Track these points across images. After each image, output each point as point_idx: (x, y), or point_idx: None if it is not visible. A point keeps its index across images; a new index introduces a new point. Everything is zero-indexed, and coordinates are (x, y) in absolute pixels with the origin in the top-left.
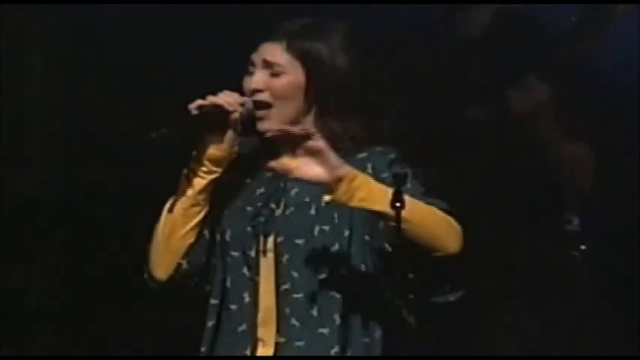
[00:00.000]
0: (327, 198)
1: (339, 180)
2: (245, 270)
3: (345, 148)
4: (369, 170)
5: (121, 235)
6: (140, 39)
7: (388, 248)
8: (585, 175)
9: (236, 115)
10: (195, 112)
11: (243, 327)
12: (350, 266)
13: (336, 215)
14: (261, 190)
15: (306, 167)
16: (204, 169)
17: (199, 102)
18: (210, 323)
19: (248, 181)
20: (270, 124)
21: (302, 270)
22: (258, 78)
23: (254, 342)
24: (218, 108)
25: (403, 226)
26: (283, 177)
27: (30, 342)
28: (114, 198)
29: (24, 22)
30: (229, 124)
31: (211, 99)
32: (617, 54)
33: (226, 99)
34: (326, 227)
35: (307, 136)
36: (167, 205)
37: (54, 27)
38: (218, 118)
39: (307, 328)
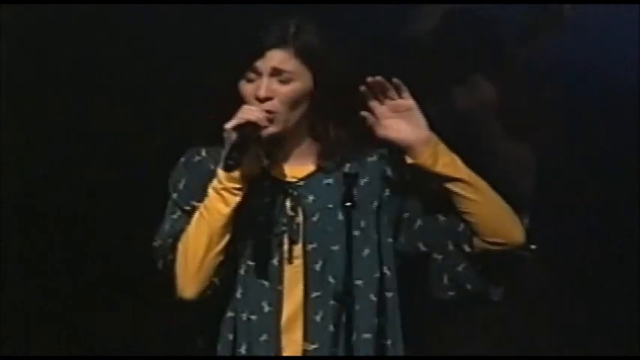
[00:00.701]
0: (410, 161)
1: (425, 142)
2: (263, 279)
3: (346, 150)
4: (389, 172)
5: (121, 235)
6: (140, 39)
7: (423, 248)
8: (532, 174)
9: (270, 129)
10: (234, 134)
11: (265, 337)
12: (382, 270)
13: (362, 220)
14: (266, 199)
15: (393, 126)
16: (237, 186)
17: (235, 122)
18: (229, 336)
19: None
20: (275, 127)
21: (339, 276)
22: (267, 86)
23: (277, 350)
24: (251, 125)
25: (475, 197)
26: (287, 185)
27: (30, 342)
28: (114, 198)
29: (23, 21)
30: (261, 139)
31: (243, 116)
32: (617, 54)
33: (256, 115)
34: (356, 232)
35: (399, 92)
36: (196, 226)
37: (53, 27)
38: (249, 134)
39: (346, 333)
